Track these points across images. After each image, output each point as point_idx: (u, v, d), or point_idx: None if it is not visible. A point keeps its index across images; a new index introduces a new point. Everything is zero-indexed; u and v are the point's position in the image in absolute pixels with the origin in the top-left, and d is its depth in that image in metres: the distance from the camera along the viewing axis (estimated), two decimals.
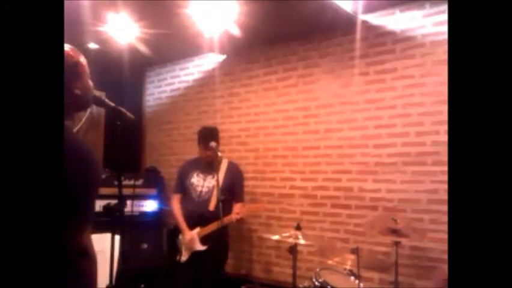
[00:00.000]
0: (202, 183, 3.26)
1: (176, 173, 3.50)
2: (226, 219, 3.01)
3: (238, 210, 3.14)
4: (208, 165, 3.24)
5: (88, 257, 1.16)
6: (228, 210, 3.09)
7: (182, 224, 3.19)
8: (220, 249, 3.16)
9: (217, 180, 2.95)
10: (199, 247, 3.10)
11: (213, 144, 3.06)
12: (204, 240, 3.10)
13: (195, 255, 3.13)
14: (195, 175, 3.31)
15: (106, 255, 1.58)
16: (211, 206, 3.14)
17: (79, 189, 1.12)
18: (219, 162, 3.24)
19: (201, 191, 3.24)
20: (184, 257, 3.16)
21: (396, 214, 2.95)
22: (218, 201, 2.95)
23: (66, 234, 1.07)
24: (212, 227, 3.05)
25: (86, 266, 1.16)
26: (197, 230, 3.12)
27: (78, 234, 1.13)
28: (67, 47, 1.29)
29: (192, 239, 3.10)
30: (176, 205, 3.31)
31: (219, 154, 3.06)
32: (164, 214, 4.23)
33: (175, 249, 3.23)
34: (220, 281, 3.18)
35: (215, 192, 3.12)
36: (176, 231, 3.28)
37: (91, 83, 1.41)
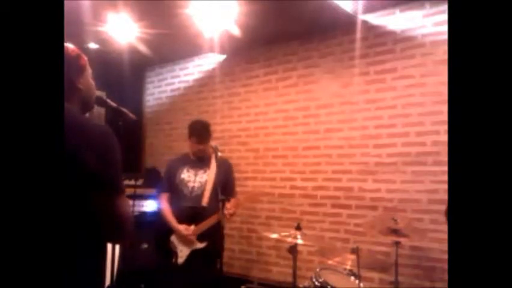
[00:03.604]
0: (194, 179, 3.13)
1: (163, 172, 3.34)
2: (219, 216, 2.84)
3: (230, 206, 3.02)
4: (198, 160, 3.14)
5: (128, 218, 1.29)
6: (221, 206, 2.98)
7: (174, 223, 3.02)
8: (217, 246, 3.00)
9: (215, 174, 2.89)
10: (198, 245, 3.01)
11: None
12: (200, 238, 3.00)
13: (192, 254, 3.03)
14: (184, 171, 3.16)
15: (106, 256, 1.58)
16: (204, 202, 3.04)
17: (104, 163, 1.19)
18: (210, 157, 3.10)
19: (193, 187, 3.10)
20: (181, 259, 3.01)
21: (396, 214, 2.94)
22: (211, 197, 2.92)
23: (105, 201, 1.21)
24: (208, 222, 2.95)
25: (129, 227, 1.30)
26: (192, 227, 2.99)
27: (115, 198, 1.24)
28: (68, 44, 1.30)
29: (190, 235, 2.99)
30: (165, 205, 3.14)
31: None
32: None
33: (169, 251, 3.05)
34: (218, 280, 3.11)
35: (208, 187, 3.05)
36: (167, 233, 3.07)
37: (93, 82, 1.41)
